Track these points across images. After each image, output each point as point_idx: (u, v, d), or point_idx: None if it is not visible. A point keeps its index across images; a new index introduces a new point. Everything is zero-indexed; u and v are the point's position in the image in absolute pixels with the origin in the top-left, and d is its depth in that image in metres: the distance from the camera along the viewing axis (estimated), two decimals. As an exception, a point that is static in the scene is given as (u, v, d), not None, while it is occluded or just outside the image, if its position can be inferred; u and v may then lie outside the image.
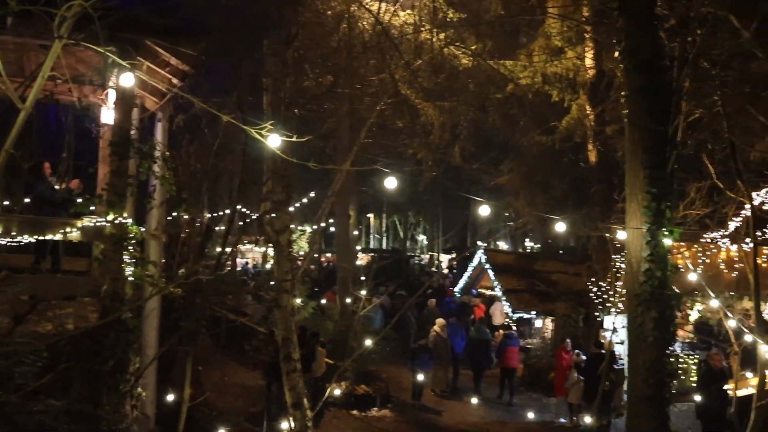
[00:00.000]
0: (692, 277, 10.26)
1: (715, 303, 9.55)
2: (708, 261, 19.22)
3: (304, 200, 30.45)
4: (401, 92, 14.58)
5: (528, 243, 40.08)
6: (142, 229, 10.72)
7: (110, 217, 9.10)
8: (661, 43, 7.30)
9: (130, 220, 9.49)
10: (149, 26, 9.45)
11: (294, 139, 5.50)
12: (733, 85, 10.70)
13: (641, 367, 7.13)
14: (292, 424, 9.58)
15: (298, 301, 17.80)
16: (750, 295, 9.98)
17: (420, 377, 16.37)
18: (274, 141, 4.87)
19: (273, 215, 9.76)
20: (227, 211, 18.77)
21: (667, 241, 7.08)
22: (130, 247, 9.58)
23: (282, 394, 10.84)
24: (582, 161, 19.44)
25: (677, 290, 7.59)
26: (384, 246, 53.54)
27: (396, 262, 31.94)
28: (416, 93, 15.63)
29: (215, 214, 25.92)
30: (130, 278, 9.62)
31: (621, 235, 9.55)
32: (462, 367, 18.59)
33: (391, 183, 10.48)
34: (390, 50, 11.41)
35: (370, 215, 52.01)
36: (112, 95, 10.10)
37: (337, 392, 15.14)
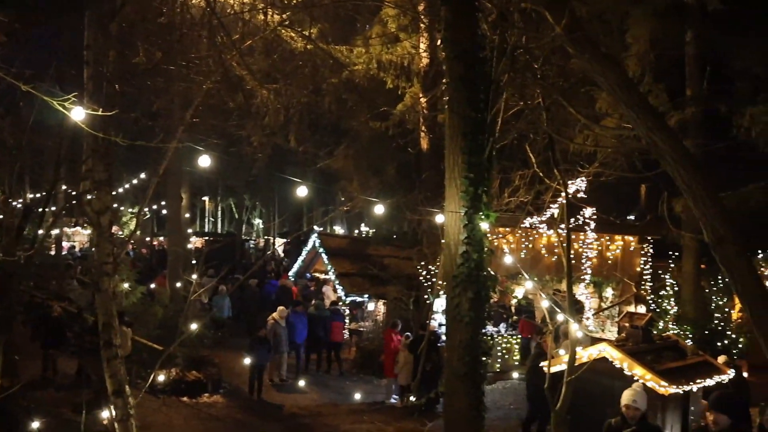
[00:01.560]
0: (508, 260, 10.76)
1: (529, 284, 10.05)
2: (530, 245, 20.30)
3: (134, 181, 29.38)
4: (235, 72, 14.31)
5: (364, 227, 40.68)
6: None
7: None
8: (481, 34, 7.57)
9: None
10: (-49, -12, 8.79)
11: (100, 113, 5.26)
12: (553, 79, 11.30)
13: (457, 346, 7.40)
14: (114, 413, 9.21)
15: (126, 285, 17.19)
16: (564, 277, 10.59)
17: (258, 368, 16.06)
18: (77, 114, 4.64)
19: (93, 195, 9.30)
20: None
21: (484, 225, 7.38)
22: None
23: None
24: (414, 147, 19.93)
25: (493, 272, 7.92)
26: (219, 230, 52.72)
27: (230, 245, 31.49)
28: (251, 74, 15.39)
29: (38, 195, 24.48)
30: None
31: (439, 218, 9.86)
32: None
33: (205, 162, 10.23)
34: (219, 28, 11.15)
35: (205, 198, 51.03)
36: None
37: (162, 378, 14.77)
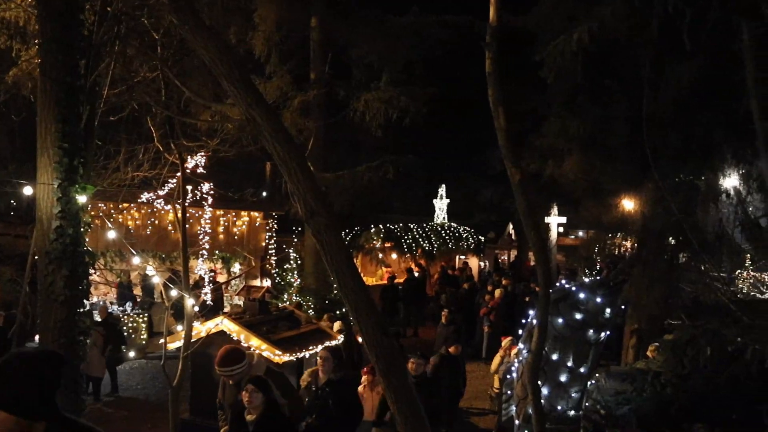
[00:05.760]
0: (111, 235, 10.39)
1: (136, 260, 9.79)
2: (157, 222, 19.88)
3: None
4: None
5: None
6: None
7: None
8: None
9: None
10: None
11: None
12: (174, 50, 11.07)
13: (52, 327, 6.95)
14: None
15: None
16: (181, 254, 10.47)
17: None
18: None
19: None
20: None
21: (81, 198, 6.98)
22: None
23: None
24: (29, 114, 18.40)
25: (90, 248, 7.53)
26: None
27: None
28: None
29: None
30: None
31: (27, 190, 9.20)
32: None
33: None
34: None
35: None
36: None
37: None
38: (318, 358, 8.11)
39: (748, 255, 17.01)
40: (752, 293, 18.26)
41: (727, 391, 8.12)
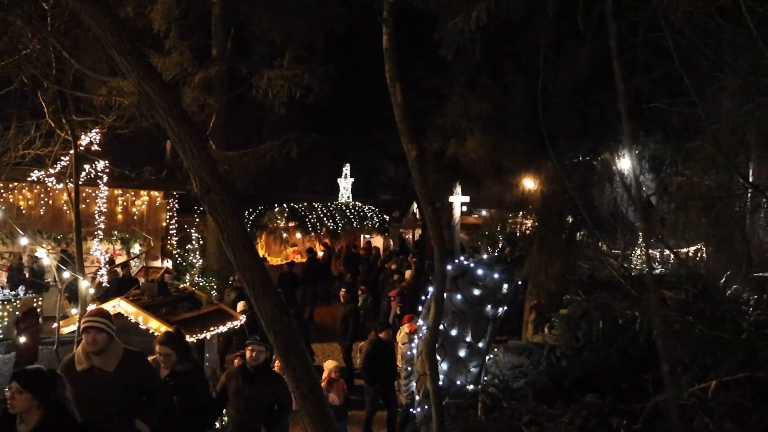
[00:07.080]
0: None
1: (24, 241, 9.44)
2: (51, 202, 19.17)
3: None
4: None
5: None
6: None
7: None
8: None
9: None
10: None
11: None
12: (66, 23, 10.64)
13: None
14: None
15: None
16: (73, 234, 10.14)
17: None
18: None
19: None
20: None
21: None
22: None
23: None
24: None
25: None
26: None
27: None
28: None
29: None
30: None
31: None
32: None
33: None
34: None
35: None
36: None
37: None
38: (157, 353, 7.65)
39: (641, 233, 17.65)
40: (645, 269, 18.96)
41: (617, 362, 8.41)
